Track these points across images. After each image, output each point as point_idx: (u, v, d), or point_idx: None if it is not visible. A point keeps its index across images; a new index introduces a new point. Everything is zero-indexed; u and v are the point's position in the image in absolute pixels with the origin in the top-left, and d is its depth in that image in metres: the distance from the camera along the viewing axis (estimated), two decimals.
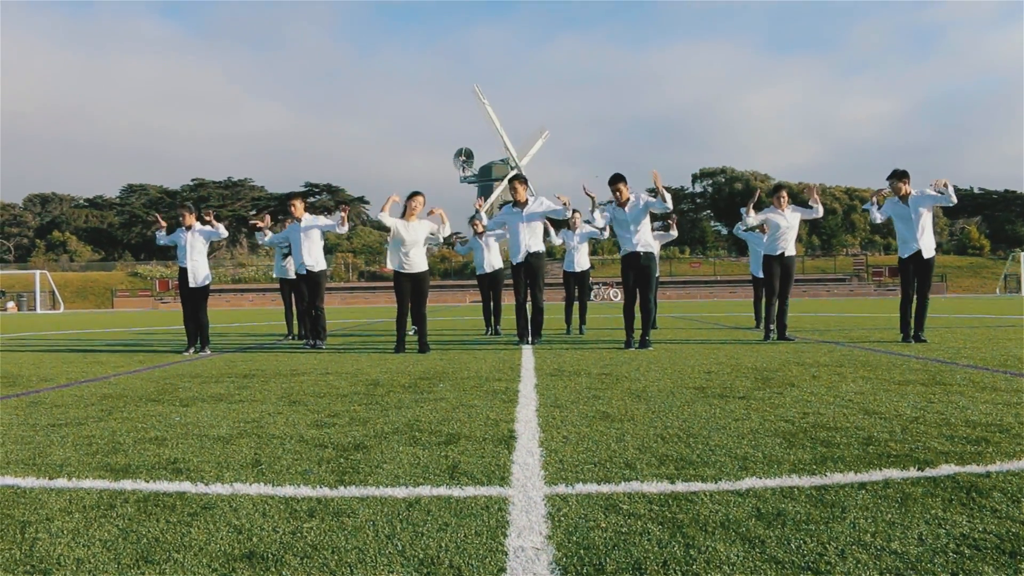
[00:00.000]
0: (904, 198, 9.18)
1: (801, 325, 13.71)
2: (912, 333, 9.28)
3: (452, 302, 53.96)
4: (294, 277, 11.22)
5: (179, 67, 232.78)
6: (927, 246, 9.15)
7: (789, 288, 9.95)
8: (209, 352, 9.51)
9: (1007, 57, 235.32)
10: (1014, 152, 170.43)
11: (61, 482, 3.03)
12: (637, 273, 9.01)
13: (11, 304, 56.41)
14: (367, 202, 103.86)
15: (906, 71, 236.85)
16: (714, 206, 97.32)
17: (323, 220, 10.39)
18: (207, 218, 9.82)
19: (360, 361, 8.02)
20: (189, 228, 9.72)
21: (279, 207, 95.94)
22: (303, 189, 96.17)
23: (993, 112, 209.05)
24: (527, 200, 9.81)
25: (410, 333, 10.67)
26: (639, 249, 8.94)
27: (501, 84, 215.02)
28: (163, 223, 9.95)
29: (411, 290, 9.02)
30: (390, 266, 9.02)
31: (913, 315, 9.30)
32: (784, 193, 10.09)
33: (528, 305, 9.91)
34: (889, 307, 26.26)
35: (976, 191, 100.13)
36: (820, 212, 9.88)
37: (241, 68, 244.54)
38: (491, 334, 12.25)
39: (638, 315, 9.30)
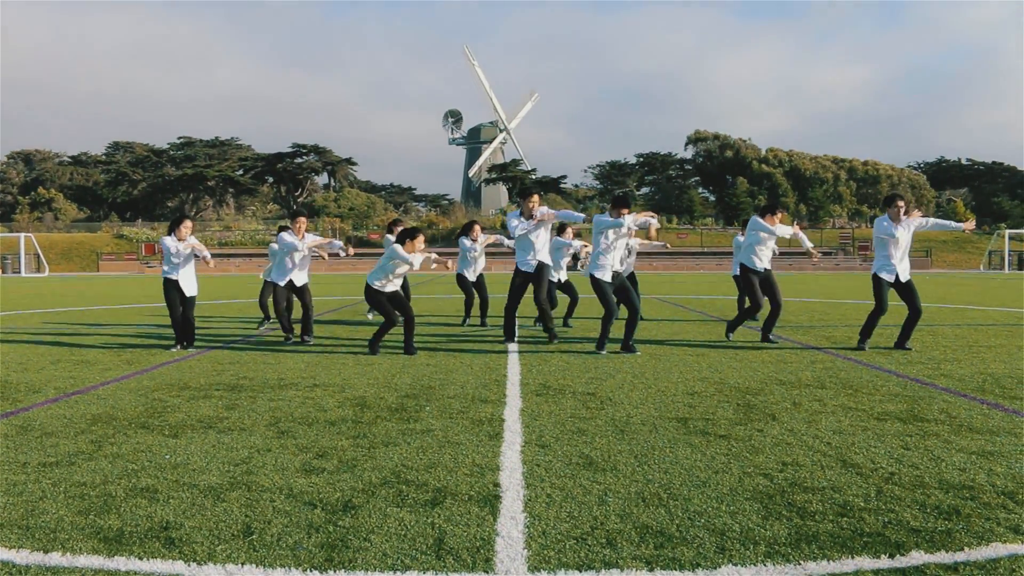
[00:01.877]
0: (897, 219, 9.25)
1: (787, 318, 13.83)
2: (898, 341, 9.44)
3: (439, 271, 53.84)
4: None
5: (151, 22, 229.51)
6: (905, 270, 9.28)
7: (780, 295, 10.10)
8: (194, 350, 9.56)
9: (978, 29, 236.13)
10: (998, 121, 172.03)
11: (55, 557, 3.09)
12: (624, 289, 9.14)
13: None
14: (355, 163, 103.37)
15: (878, 40, 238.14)
16: (702, 172, 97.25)
17: (320, 240, 10.58)
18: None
19: (347, 367, 8.09)
20: (182, 239, 9.59)
21: (266, 167, 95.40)
22: (291, 150, 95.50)
23: (968, 82, 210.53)
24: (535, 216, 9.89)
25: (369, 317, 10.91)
26: (621, 269, 9.21)
27: (473, 46, 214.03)
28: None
29: (397, 299, 9.12)
30: (382, 288, 9.12)
31: (903, 324, 9.45)
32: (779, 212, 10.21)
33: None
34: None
35: (964, 162, 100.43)
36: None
37: (212, 27, 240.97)
38: (467, 323, 12.69)
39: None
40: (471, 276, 12.77)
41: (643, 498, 3.81)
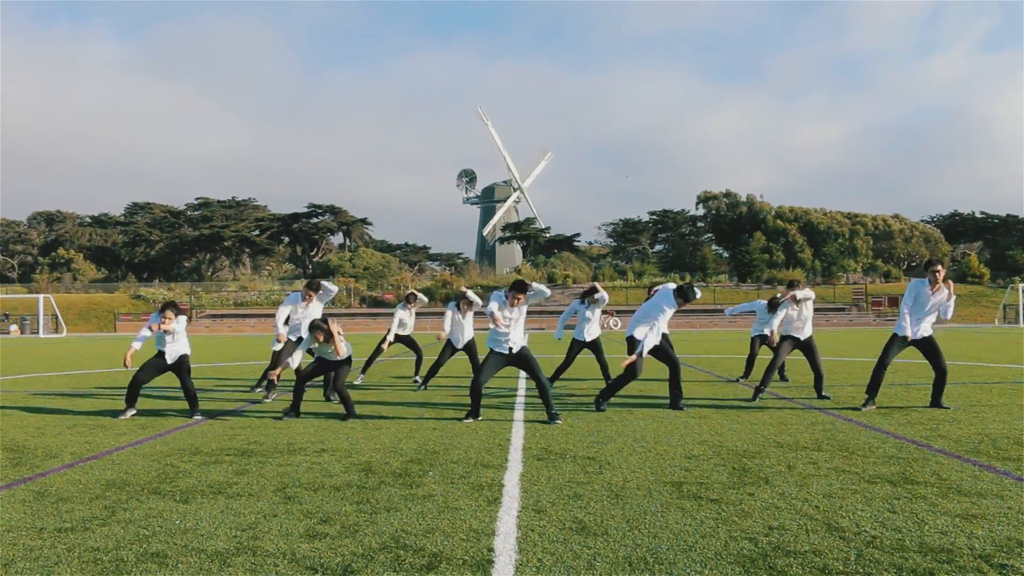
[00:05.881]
0: (937, 287, 9.50)
1: (795, 379, 13.94)
2: (932, 402, 9.80)
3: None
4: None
5: (142, 89, 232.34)
6: (924, 328, 9.68)
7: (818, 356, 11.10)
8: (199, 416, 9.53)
9: (940, 87, 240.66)
10: (975, 175, 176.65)
11: None
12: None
13: (14, 327, 56.77)
14: (370, 223, 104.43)
15: (842, 100, 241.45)
16: (716, 229, 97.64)
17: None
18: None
19: (355, 432, 8.27)
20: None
21: (282, 227, 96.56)
22: (307, 210, 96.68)
23: (939, 139, 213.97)
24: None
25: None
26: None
27: (454, 110, 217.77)
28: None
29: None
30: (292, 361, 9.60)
31: (933, 385, 9.86)
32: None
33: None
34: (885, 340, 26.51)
35: (977, 215, 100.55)
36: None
37: (202, 94, 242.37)
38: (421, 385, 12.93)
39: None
40: (458, 343, 12.96)
41: (630, 562, 3.97)
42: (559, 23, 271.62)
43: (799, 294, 11.00)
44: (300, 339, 11.06)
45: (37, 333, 55.49)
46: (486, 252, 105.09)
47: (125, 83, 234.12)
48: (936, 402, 9.70)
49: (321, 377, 10.94)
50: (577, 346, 12.81)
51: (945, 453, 6.77)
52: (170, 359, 9.62)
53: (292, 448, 7.32)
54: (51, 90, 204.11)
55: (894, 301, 61.27)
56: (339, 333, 9.34)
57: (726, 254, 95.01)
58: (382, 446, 7.39)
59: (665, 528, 4.56)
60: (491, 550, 4.19)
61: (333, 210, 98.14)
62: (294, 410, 9.46)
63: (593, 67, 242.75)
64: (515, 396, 11.40)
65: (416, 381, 13.42)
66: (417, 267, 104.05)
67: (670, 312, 9.95)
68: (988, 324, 56.98)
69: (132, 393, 9.68)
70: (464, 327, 12.92)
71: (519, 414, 9.54)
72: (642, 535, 4.43)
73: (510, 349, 9.04)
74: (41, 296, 57.14)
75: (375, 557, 4.08)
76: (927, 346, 9.65)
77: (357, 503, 5.22)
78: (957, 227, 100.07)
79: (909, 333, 9.55)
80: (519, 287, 8.94)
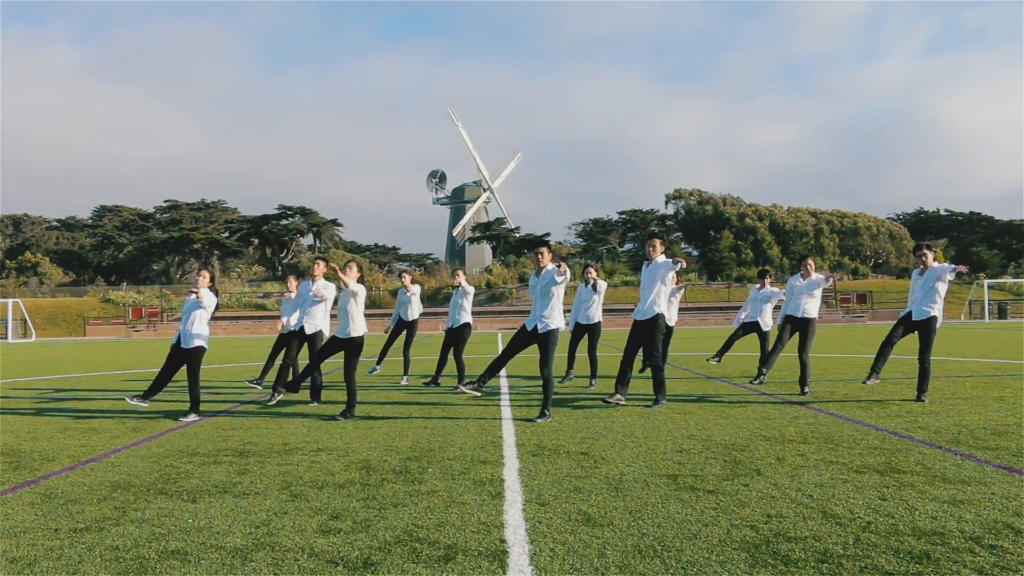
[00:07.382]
0: (924, 269, 10.09)
1: (772, 374, 14.19)
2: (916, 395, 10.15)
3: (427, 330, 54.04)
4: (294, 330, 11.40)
5: (100, 93, 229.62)
6: (918, 311, 10.06)
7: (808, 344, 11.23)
8: (195, 417, 9.62)
9: (885, 90, 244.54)
10: (946, 174, 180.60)
11: None
12: (640, 335, 9.79)
13: None
14: (340, 224, 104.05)
15: (792, 102, 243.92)
16: (685, 228, 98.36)
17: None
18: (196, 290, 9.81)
19: (348, 431, 8.37)
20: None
21: (251, 229, 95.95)
22: (277, 211, 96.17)
23: (895, 139, 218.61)
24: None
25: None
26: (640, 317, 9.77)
27: (418, 112, 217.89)
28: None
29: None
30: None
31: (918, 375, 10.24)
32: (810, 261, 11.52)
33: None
34: (855, 337, 26.97)
35: (942, 212, 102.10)
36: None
37: (161, 97, 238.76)
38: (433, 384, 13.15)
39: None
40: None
41: (639, 551, 4.12)
42: (506, 25, 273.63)
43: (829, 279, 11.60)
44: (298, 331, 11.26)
45: (6, 338, 54.83)
46: (456, 252, 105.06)
47: (83, 87, 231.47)
48: (919, 394, 10.07)
49: (309, 380, 10.98)
50: (579, 330, 12.97)
51: (927, 444, 7.00)
52: (184, 343, 9.64)
53: (288, 448, 7.41)
54: (9, 94, 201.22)
55: (863, 298, 62.14)
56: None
57: (696, 253, 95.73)
58: (377, 444, 7.50)
59: (668, 518, 4.73)
60: (503, 541, 4.33)
61: (303, 211, 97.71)
62: (292, 385, 9.74)
63: (545, 69, 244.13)
64: (499, 395, 11.54)
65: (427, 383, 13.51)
66: (387, 268, 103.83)
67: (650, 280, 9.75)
68: (954, 320, 57.95)
69: (155, 383, 9.88)
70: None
71: (506, 412, 9.68)
72: (647, 525, 4.59)
73: (535, 327, 9.01)
74: (10, 301, 56.47)
75: (392, 550, 4.21)
76: (919, 330, 10.20)
77: (364, 499, 5.34)
78: (922, 224, 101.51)
79: (907, 312, 10.28)
80: (539, 243, 9.21)
